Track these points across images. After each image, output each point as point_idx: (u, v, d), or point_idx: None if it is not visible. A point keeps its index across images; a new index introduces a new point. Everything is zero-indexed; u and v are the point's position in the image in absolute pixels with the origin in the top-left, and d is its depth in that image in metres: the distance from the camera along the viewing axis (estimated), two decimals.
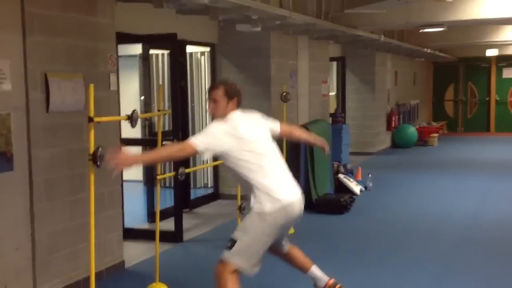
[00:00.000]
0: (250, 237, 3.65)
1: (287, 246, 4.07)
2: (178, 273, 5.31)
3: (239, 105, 3.92)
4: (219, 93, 3.84)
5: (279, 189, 3.68)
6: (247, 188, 3.74)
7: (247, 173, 3.67)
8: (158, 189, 4.84)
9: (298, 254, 4.15)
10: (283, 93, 6.91)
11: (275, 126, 4.13)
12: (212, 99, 3.86)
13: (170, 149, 3.87)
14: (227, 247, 3.68)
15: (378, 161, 12.72)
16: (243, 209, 5.79)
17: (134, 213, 7.24)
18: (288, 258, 4.14)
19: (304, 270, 4.16)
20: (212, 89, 3.92)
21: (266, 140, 3.88)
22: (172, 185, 7.06)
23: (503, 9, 9.09)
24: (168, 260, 5.56)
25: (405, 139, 14.99)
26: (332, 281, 4.11)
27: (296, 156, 7.79)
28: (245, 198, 3.85)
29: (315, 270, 4.13)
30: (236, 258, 3.65)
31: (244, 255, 3.66)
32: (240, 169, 3.70)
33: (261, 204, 3.63)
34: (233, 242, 3.67)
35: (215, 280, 3.73)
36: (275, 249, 3.99)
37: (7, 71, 4.08)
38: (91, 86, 3.55)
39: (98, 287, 3.96)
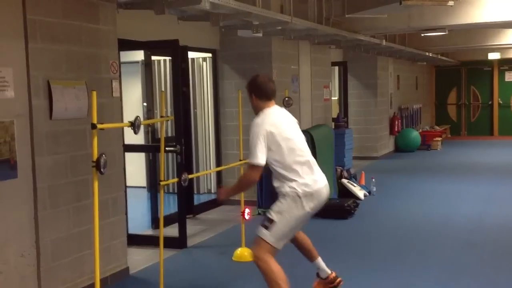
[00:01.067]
0: (287, 219, 4.01)
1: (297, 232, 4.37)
2: (182, 279, 5.31)
3: (267, 97, 4.20)
4: (248, 92, 4.30)
5: (310, 176, 4.10)
6: (280, 177, 4.08)
7: (283, 163, 4.03)
8: (161, 195, 4.85)
9: (307, 241, 4.51)
10: (285, 98, 6.92)
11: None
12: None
13: (247, 177, 4.16)
14: (263, 226, 4.00)
15: (382, 165, 12.71)
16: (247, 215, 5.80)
17: (138, 219, 7.24)
18: (298, 242, 4.46)
19: (311, 258, 4.52)
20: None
21: (297, 135, 4.24)
22: (176, 191, 7.07)
23: (505, 12, 9.09)
24: (173, 266, 5.56)
25: (408, 143, 14.97)
26: (334, 274, 4.52)
27: None
28: (277, 187, 4.14)
29: (321, 261, 4.52)
30: (272, 238, 3.98)
31: (279, 234, 3.99)
32: (276, 160, 4.04)
33: (296, 189, 4.02)
34: (269, 222, 3.99)
35: (255, 262, 4.02)
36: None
37: (10, 79, 4.09)
38: (94, 93, 3.56)
39: None
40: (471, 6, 9.17)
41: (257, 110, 4.21)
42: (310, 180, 4.09)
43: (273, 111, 4.19)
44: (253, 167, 4.02)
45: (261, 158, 3.98)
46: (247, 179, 4.14)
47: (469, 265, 5.54)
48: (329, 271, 4.52)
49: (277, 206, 4.05)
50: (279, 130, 4.05)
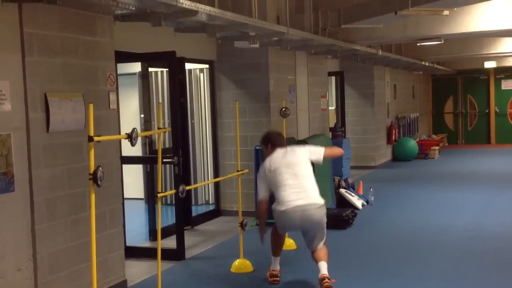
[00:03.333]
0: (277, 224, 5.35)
1: (312, 248, 5.24)
2: None
3: (277, 146, 5.41)
4: (262, 142, 5.63)
5: (288, 198, 5.12)
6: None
7: (273, 189, 5.27)
8: (159, 207, 4.83)
9: (320, 254, 5.18)
10: (282, 108, 6.92)
11: (317, 153, 5.54)
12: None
13: (260, 210, 5.40)
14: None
15: (379, 174, 12.71)
16: (245, 225, 5.81)
17: (136, 231, 7.21)
18: (313, 256, 5.26)
19: (316, 260, 5.17)
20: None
21: (290, 165, 5.26)
22: (174, 203, 7.05)
23: (499, 21, 9.15)
24: (171, 278, 5.54)
25: (405, 152, 14.99)
26: (321, 275, 4.98)
27: None
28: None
29: (322, 265, 5.07)
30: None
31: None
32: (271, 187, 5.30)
33: (275, 206, 5.20)
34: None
35: None
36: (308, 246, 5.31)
37: (7, 92, 4.09)
38: (91, 106, 3.56)
39: None
40: (467, 15, 9.22)
41: (268, 155, 5.47)
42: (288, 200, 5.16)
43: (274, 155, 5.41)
44: (260, 201, 5.38)
45: (264, 195, 5.35)
46: (260, 211, 5.42)
47: (468, 274, 5.52)
48: (322, 272, 5.02)
49: None
50: (273, 167, 5.30)
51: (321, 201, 5.21)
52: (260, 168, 5.43)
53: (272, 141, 5.46)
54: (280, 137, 5.58)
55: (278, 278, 5.35)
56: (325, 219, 5.18)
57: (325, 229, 5.22)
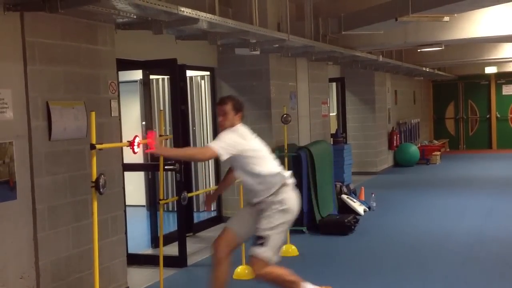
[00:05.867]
0: (278, 232, 4.21)
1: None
2: None
3: (242, 119, 4.46)
4: (228, 107, 4.38)
5: (288, 185, 4.31)
6: (259, 191, 4.25)
7: (258, 172, 4.24)
8: (161, 214, 4.85)
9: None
10: (284, 115, 6.94)
11: None
12: (221, 112, 4.39)
13: (194, 150, 4.47)
14: (258, 245, 4.15)
15: (381, 180, 12.71)
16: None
17: (138, 239, 7.22)
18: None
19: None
20: (221, 103, 4.45)
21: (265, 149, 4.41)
22: (175, 209, 7.05)
23: (500, 27, 9.17)
24: (173, 285, 5.54)
25: (407, 158, 14.98)
26: None
27: (299, 177, 7.78)
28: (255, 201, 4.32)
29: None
30: (268, 253, 4.15)
31: (274, 248, 4.19)
32: (251, 171, 4.24)
33: (282, 200, 4.22)
34: (263, 239, 4.15)
35: (259, 279, 4.24)
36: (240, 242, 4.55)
37: (9, 100, 4.11)
38: (93, 114, 3.58)
39: None
40: (467, 21, 9.24)
41: (231, 126, 4.37)
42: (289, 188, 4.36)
43: (244, 127, 4.46)
44: (210, 148, 4.21)
45: (222, 149, 4.19)
46: (195, 151, 4.74)
47: (471, 280, 5.51)
48: None
49: (266, 220, 4.27)
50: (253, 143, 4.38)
51: None
52: (235, 130, 4.32)
53: (241, 108, 4.48)
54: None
55: None
56: None
57: None
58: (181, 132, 6.69)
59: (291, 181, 4.37)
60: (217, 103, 4.64)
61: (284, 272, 4.20)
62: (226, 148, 4.15)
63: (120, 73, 5.86)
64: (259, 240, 4.16)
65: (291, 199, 4.30)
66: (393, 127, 15.05)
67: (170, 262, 5.99)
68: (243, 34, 6.46)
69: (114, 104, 5.22)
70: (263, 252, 4.14)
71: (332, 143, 10.62)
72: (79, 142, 4.72)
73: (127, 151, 4.49)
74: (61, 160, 4.58)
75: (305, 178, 7.73)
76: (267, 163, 4.32)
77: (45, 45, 4.44)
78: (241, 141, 4.22)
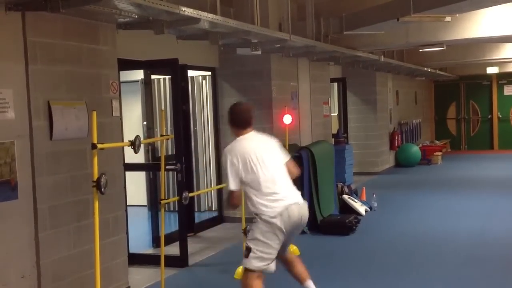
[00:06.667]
0: (262, 242, 4.16)
1: (284, 253, 4.44)
2: None
3: (245, 124, 4.38)
4: (229, 120, 4.46)
5: (277, 196, 4.20)
6: (251, 202, 4.26)
7: (250, 188, 4.22)
8: (162, 214, 4.85)
9: (298, 263, 4.54)
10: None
11: (286, 156, 4.53)
12: None
13: (231, 201, 4.34)
14: (244, 256, 4.20)
15: (382, 180, 12.70)
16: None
17: (139, 238, 7.22)
18: (288, 264, 4.52)
19: (301, 280, 4.49)
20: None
21: (268, 157, 4.30)
22: (177, 209, 7.05)
23: (501, 27, 9.16)
24: (174, 285, 5.54)
25: (408, 158, 14.97)
26: None
27: (300, 177, 7.77)
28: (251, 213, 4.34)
29: (311, 283, 4.46)
30: (254, 263, 4.17)
31: (259, 258, 4.17)
32: (245, 186, 4.24)
33: (264, 211, 4.17)
34: (248, 250, 4.18)
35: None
36: (280, 253, 4.35)
37: (10, 100, 4.12)
38: (94, 113, 3.58)
39: None
40: (468, 21, 9.23)
41: (237, 136, 4.40)
42: (278, 199, 4.22)
43: (243, 139, 4.36)
44: (232, 192, 4.27)
45: (234, 185, 4.23)
46: (231, 201, 4.35)
47: (472, 280, 5.51)
48: None
49: (251, 232, 4.28)
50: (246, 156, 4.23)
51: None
52: (227, 152, 4.30)
53: (242, 121, 4.40)
54: (249, 114, 4.47)
55: None
56: None
57: None
58: (182, 132, 6.69)
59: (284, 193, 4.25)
60: None
61: None
62: (235, 182, 4.22)
63: (122, 73, 5.86)
64: (244, 251, 4.24)
65: (271, 210, 4.15)
66: (394, 127, 15.04)
67: (171, 262, 5.99)
68: (245, 34, 6.45)
69: (115, 104, 5.22)
70: (245, 262, 4.20)
71: (333, 143, 10.61)
72: (80, 142, 4.72)
73: (128, 151, 4.49)
74: (62, 160, 4.59)
75: (306, 179, 7.73)
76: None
77: (46, 45, 4.44)
78: (233, 169, 4.23)
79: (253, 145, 4.30)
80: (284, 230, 4.16)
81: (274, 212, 4.14)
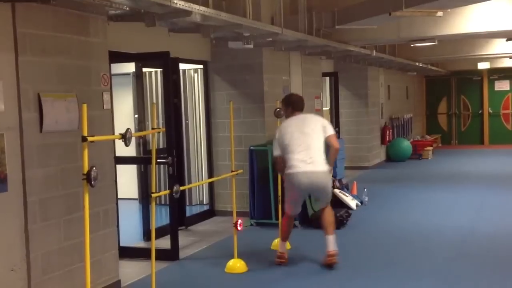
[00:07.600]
0: (289, 195, 5.89)
1: (322, 207, 6.02)
2: None
3: (296, 110, 6.01)
4: (281, 103, 6.26)
5: (295, 162, 5.69)
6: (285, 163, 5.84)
7: (284, 151, 5.81)
8: (153, 207, 4.83)
9: (328, 218, 5.90)
10: (277, 109, 6.92)
11: (328, 131, 5.88)
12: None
13: (275, 165, 6.27)
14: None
15: (373, 175, 12.74)
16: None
17: (130, 232, 7.20)
18: (321, 215, 5.98)
19: (324, 232, 5.83)
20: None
21: (301, 132, 5.75)
22: (168, 203, 7.04)
23: (493, 23, 9.19)
24: (165, 278, 5.54)
25: (399, 153, 15.03)
26: (332, 252, 5.69)
27: None
28: None
29: (331, 238, 5.76)
30: (286, 207, 5.99)
31: (290, 204, 5.91)
32: (282, 153, 5.85)
33: (287, 174, 5.76)
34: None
35: None
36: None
37: (0, 92, 4.08)
38: (85, 106, 3.55)
39: None
40: (460, 17, 9.25)
41: (287, 117, 6.08)
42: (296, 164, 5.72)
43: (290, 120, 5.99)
44: (275, 157, 5.99)
45: (276, 151, 5.92)
46: (276, 167, 6.19)
47: (461, 274, 5.55)
48: (331, 248, 5.72)
49: None
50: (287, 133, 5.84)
51: (326, 168, 5.73)
52: (277, 129, 5.96)
53: (293, 105, 6.01)
54: (300, 102, 6.10)
55: (284, 260, 5.89)
56: (330, 184, 5.96)
57: (330, 194, 6.01)
58: (174, 126, 6.67)
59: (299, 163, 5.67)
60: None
61: (283, 229, 5.97)
62: (276, 149, 5.91)
63: (113, 65, 5.83)
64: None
65: (293, 175, 5.66)
66: (385, 122, 15.08)
67: (162, 255, 5.98)
68: (237, 27, 6.44)
69: (106, 96, 5.19)
70: (285, 207, 5.99)
71: None
72: (71, 134, 4.69)
73: (119, 143, 4.47)
74: (53, 153, 4.56)
75: None
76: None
77: (36, 36, 4.41)
78: (276, 140, 5.90)
79: (293, 123, 5.83)
80: (299, 189, 5.72)
81: (291, 174, 5.67)
